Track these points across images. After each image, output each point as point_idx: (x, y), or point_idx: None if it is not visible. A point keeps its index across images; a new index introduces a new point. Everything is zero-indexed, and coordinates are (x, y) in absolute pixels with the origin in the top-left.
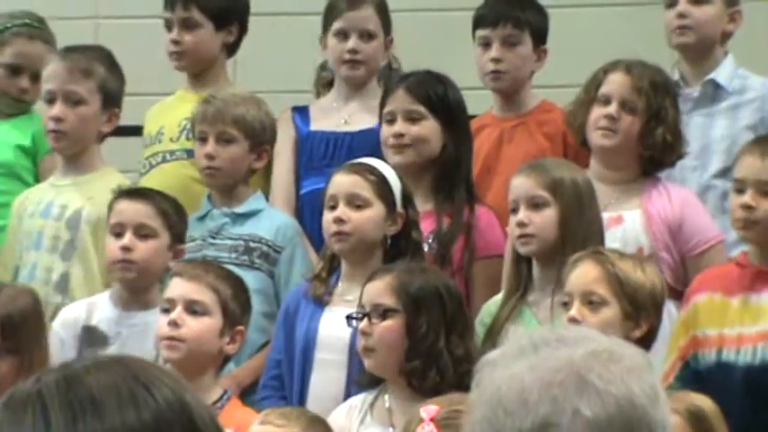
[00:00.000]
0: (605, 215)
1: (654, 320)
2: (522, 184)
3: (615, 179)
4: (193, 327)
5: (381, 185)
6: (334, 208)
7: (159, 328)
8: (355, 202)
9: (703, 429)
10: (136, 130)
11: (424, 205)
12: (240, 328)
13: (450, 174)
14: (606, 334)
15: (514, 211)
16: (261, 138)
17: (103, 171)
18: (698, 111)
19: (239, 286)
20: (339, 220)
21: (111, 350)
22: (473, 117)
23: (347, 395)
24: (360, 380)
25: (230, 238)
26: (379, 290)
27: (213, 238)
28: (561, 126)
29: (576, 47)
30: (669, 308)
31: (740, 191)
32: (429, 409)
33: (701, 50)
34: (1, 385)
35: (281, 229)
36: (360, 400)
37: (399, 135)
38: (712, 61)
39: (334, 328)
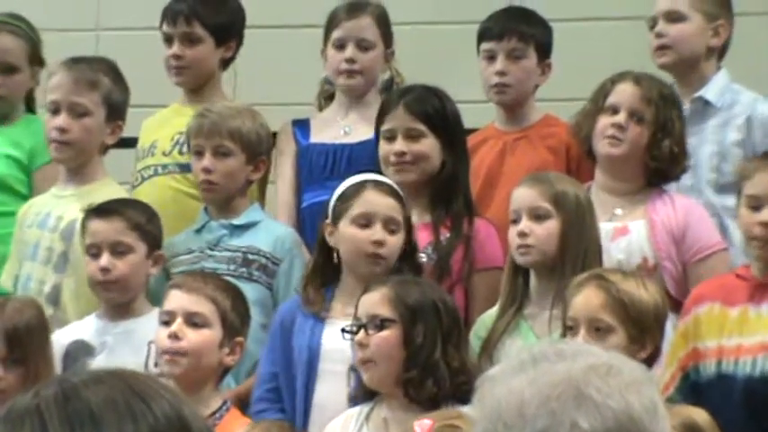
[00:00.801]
0: (611, 225)
1: (658, 340)
2: (524, 195)
3: (620, 190)
4: (194, 339)
5: (404, 209)
6: (367, 226)
7: (159, 341)
8: (390, 227)
9: None
10: (135, 142)
11: (422, 217)
12: (240, 339)
13: (449, 188)
14: None
15: (515, 221)
16: (257, 149)
17: (103, 182)
18: (688, 128)
19: (238, 297)
20: (380, 244)
21: (98, 360)
22: (474, 131)
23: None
24: (355, 394)
25: (228, 250)
26: (376, 301)
27: (211, 249)
28: (565, 139)
29: (579, 61)
30: (671, 318)
31: (756, 208)
32: (423, 423)
33: (685, 68)
34: (7, 396)
35: (279, 240)
36: (356, 411)
37: (401, 153)
38: (701, 78)
39: (337, 340)
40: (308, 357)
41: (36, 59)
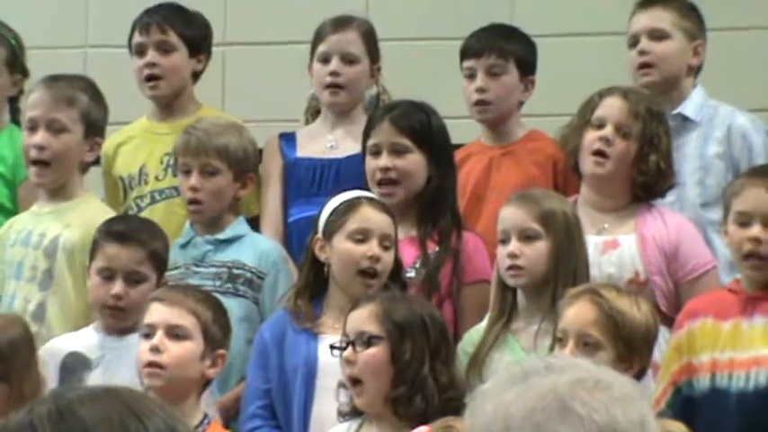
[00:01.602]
0: (600, 239)
1: (646, 361)
2: (512, 216)
3: (607, 206)
4: (175, 352)
5: (396, 227)
6: (363, 241)
7: (140, 354)
8: (385, 243)
9: None
10: None
11: (409, 232)
12: (222, 351)
13: (436, 203)
14: None
15: (503, 242)
16: (244, 166)
17: (84, 198)
18: None
19: (219, 309)
20: (376, 259)
21: (95, 374)
22: (461, 146)
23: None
24: (344, 411)
25: (214, 266)
26: (363, 318)
27: (197, 265)
28: (551, 154)
29: (564, 76)
30: (663, 333)
31: (745, 224)
32: (420, 429)
33: (667, 87)
34: None
35: (263, 254)
36: (344, 428)
37: (386, 169)
38: (679, 95)
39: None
40: (305, 373)
41: (18, 67)
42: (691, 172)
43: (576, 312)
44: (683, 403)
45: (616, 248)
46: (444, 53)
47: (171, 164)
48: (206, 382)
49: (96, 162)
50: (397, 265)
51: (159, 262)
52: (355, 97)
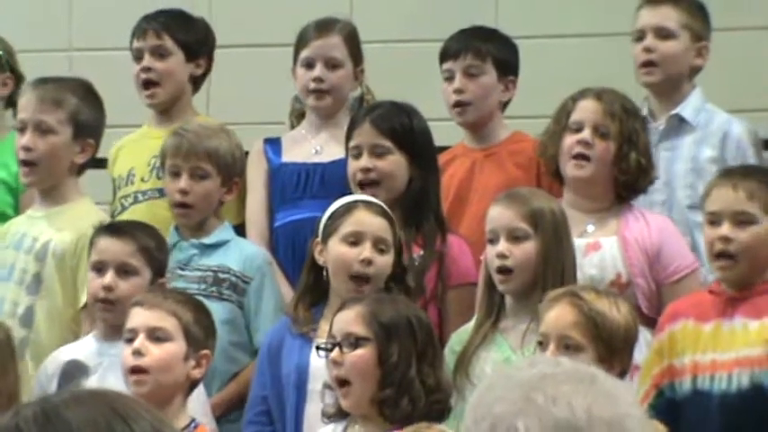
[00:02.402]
0: (582, 241)
1: (626, 361)
2: (501, 215)
3: (591, 208)
4: (156, 354)
5: (394, 231)
6: (356, 244)
7: (124, 360)
8: (380, 246)
9: None
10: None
11: None
12: (205, 352)
13: (419, 205)
14: None
15: (492, 241)
16: (232, 171)
17: (77, 202)
18: (663, 144)
19: (200, 310)
20: (368, 263)
21: (92, 380)
22: (446, 148)
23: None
24: (328, 411)
25: (199, 270)
26: (350, 319)
27: (182, 269)
28: (533, 156)
29: (548, 77)
30: (644, 335)
31: (714, 223)
32: None
33: (669, 86)
34: None
35: (248, 259)
36: (330, 430)
37: (366, 170)
38: (679, 95)
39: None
40: (296, 378)
41: (6, 67)
42: (682, 174)
43: (556, 315)
44: (666, 406)
45: (598, 250)
46: (429, 55)
47: (157, 166)
48: (192, 384)
49: (95, 165)
50: (402, 269)
51: (152, 259)
52: (340, 101)
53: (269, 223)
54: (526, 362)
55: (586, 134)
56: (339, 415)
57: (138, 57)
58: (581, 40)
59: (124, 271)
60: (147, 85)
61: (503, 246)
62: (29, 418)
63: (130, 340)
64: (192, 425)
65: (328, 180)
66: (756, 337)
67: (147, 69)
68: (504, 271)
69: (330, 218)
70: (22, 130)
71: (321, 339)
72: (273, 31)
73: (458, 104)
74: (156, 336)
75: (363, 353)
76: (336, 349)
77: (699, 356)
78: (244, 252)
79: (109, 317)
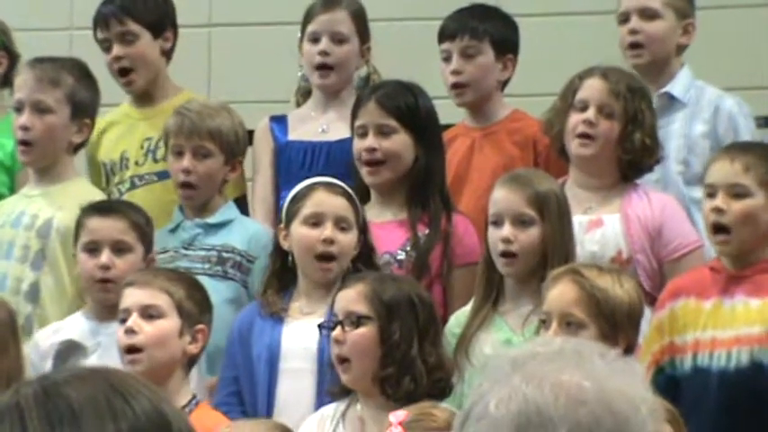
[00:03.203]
0: (585, 218)
1: (632, 337)
2: (506, 199)
3: (595, 186)
4: (150, 331)
5: (357, 209)
6: (317, 225)
7: (119, 340)
8: (341, 225)
9: None
10: None
11: (398, 215)
12: (201, 326)
13: (424, 184)
14: None
15: (496, 224)
16: (235, 149)
17: (74, 181)
18: None
19: (193, 285)
20: (330, 242)
21: (91, 360)
22: (450, 126)
23: (318, 403)
24: (332, 390)
25: (203, 249)
26: (352, 298)
27: (186, 249)
28: (531, 134)
29: (550, 56)
30: (646, 312)
31: (711, 195)
32: (398, 414)
33: (657, 66)
34: None
35: (253, 238)
36: (331, 409)
37: (372, 150)
38: (668, 74)
39: (297, 339)
40: (268, 357)
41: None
42: (675, 151)
43: (558, 293)
44: (666, 382)
45: (600, 227)
46: (432, 33)
47: (151, 149)
48: (190, 360)
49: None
50: (369, 248)
51: (143, 234)
52: (345, 77)
53: (276, 201)
54: (527, 341)
55: (591, 114)
56: (341, 393)
57: (106, 47)
58: (583, 18)
59: (119, 249)
60: (123, 72)
61: (508, 230)
62: (29, 396)
63: (124, 320)
64: (194, 402)
65: (333, 159)
66: (757, 316)
67: (119, 58)
68: (508, 255)
69: (291, 202)
70: (19, 109)
71: (292, 319)
72: (275, 10)
73: (456, 86)
74: (148, 313)
75: (365, 331)
76: (338, 327)
77: (699, 334)
78: (248, 231)
79: (108, 296)
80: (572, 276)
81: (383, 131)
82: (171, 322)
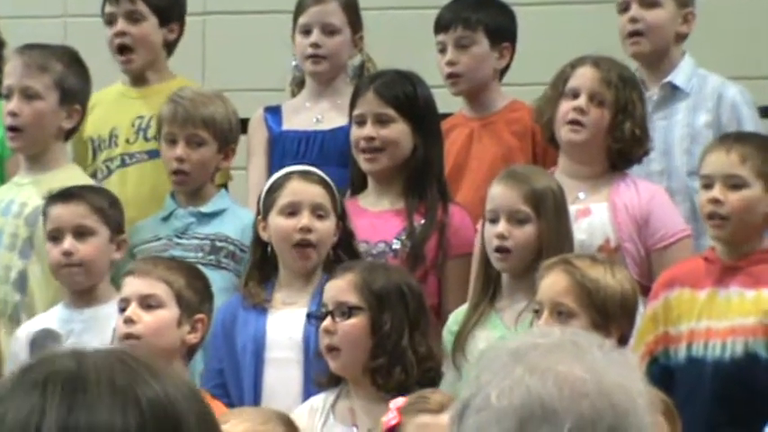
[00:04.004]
0: (573, 208)
1: (625, 327)
2: (502, 195)
3: (584, 174)
4: (149, 321)
5: (334, 197)
6: (293, 214)
7: (117, 329)
8: (318, 212)
9: None
10: None
11: (395, 204)
12: (200, 316)
13: (422, 174)
14: None
15: (492, 221)
16: (228, 138)
17: (64, 168)
18: (657, 114)
19: (193, 274)
20: (307, 230)
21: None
22: (448, 115)
23: (305, 392)
24: (319, 380)
25: (196, 238)
26: (342, 288)
27: (179, 238)
28: (530, 124)
29: (549, 45)
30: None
31: (708, 186)
32: (397, 400)
33: (657, 55)
34: None
35: (246, 227)
36: (321, 400)
37: (370, 139)
38: (669, 63)
39: (282, 329)
40: (253, 348)
41: None
42: (679, 141)
43: (550, 283)
44: (660, 373)
45: (587, 216)
46: (428, 22)
47: (143, 127)
48: (190, 349)
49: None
50: (348, 235)
51: (106, 217)
52: (337, 67)
53: None
54: (523, 333)
55: (582, 101)
56: (330, 383)
57: (110, 21)
58: (582, 7)
59: (80, 233)
60: (122, 50)
61: (503, 227)
62: (57, 375)
63: (123, 309)
64: None
65: (327, 148)
66: (752, 307)
67: (122, 34)
68: (502, 250)
69: (267, 193)
70: (8, 96)
71: (275, 310)
72: None
73: (450, 76)
74: (147, 303)
75: (356, 322)
76: (328, 318)
77: (694, 324)
78: (242, 220)
79: (76, 280)
80: (563, 266)
81: (381, 120)
82: (169, 312)
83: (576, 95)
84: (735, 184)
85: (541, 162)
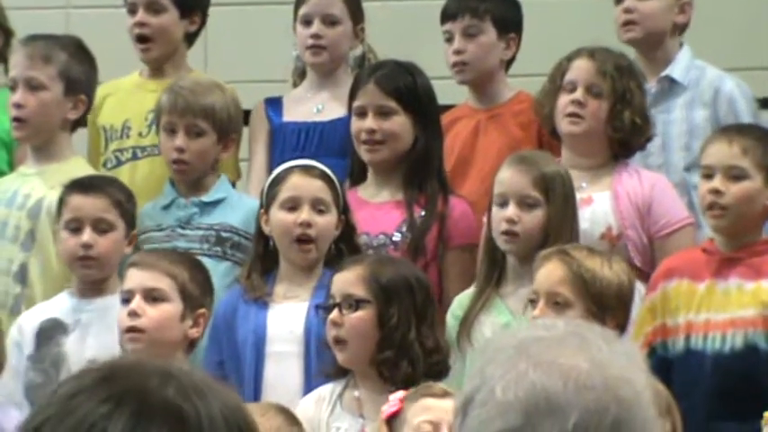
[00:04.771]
0: (576, 197)
1: (621, 318)
2: (512, 180)
3: (586, 165)
4: (153, 315)
5: (335, 191)
6: (294, 209)
7: (120, 320)
8: (318, 207)
9: None
10: None
11: (395, 195)
12: (202, 310)
13: (422, 166)
14: None
15: (501, 205)
16: (228, 128)
17: (69, 161)
18: (656, 107)
19: (196, 268)
20: (307, 225)
21: (72, 338)
22: (449, 107)
23: (306, 385)
24: (326, 370)
25: (200, 229)
26: (350, 280)
27: (182, 228)
28: (535, 116)
29: (558, 35)
30: (639, 289)
31: (708, 177)
32: (398, 394)
33: (651, 44)
34: None
35: (250, 215)
36: (328, 390)
37: (371, 131)
38: (666, 55)
39: (283, 322)
40: (254, 341)
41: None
42: (677, 136)
43: (546, 272)
44: (659, 364)
45: (590, 204)
46: (429, 13)
47: (156, 122)
48: (191, 343)
49: (82, 121)
50: (350, 228)
51: (125, 212)
52: (337, 58)
53: None
54: (527, 324)
55: (579, 94)
56: (337, 374)
57: (132, 10)
58: None
59: (100, 227)
60: (142, 39)
61: (512, 211)
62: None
63: (126, 301)
64: None
65: (328, 139)
66: (752, 299)
67: (142, 24)
68: (510, 234)
69: (269, 186)
70: (13, 88)
71: (276, 303)
72: None
73: (456, 65)
74: (152, 296)
75: (363, 315)
76: (336, 310)
77: (692, 316)
78: (245, 208)
79: (91, 273)
80: (560, 256)
81: (383, 112)
82: (173, 307)
83: (573, 88)
84: (736, 175)
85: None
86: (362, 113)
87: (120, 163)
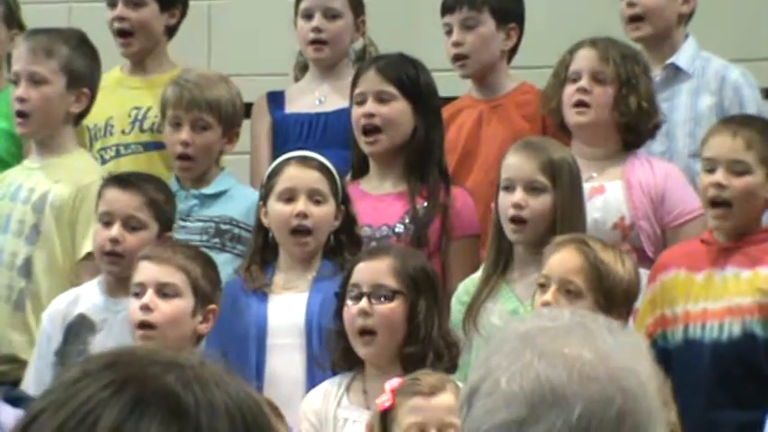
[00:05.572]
0: (587, 186)
1: (624, 315)
2: (519, 165)
3: (597, 155)
4: (166, 310)
5: (333, 181)
6: (291, 200)
7: (132, 313)
8: (315, 198)
9: None
10: None
11: (397, 187)
12: (212, 306)
13: (423, 156)
14: None
15: (507, 189)
16: (233, 121)
17: (74, 154)
18: (660, 95)
19: (208, 264)
20: (303, 216)
21: (99, 337)
22: (451, 99)
23: (309, 377)
24: (338, 363)
25: (200, 221)
26: (381, 270)
27: (183, 220)
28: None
29: (562, 27)
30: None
31: (711, 170)
32: (392, 381)
33: (658, 38)
34: None
35: (251, 208)
36: (335, 383)
37: (370, 115)
38: (671, 44)
39: (284, 314)
40: (256, 334)
41: (15, 23)
42: (682, 123)
43: (562, 259)
44: (659, 355)
45: (602, 194)
46: (430, 6)
47: (139, 118)
48: (199, 338)
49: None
50: (350, 219)
51: (160, 213)
52: (339, 52)
53: None
54: (531, 314)
55: (584, 82)
56: (346, 366)
57: (111, 4)
58: None
59: (131, 224)
60: (122, 34)
61: (519, 196)
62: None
63: (138, 294)
64: None
65: (330, 130)
66: (748, 287)
67: (122, 19)
68: (517, 221)
69: (267, 178)
70: (16, 82)
71: (276, 295)
72: None
73: (457, 57)
74: (164, 291)
75: (395, 306)
76: (364, 299)
77: (690, 306)
78: (246, 201)
79: (115, 269)
80: (577, 245)
81: (382, 98)
82: (186, 302)
83: (577, 78)
84: (738, 169)
85: None
86: (362, 100)
87: (104, 161)
